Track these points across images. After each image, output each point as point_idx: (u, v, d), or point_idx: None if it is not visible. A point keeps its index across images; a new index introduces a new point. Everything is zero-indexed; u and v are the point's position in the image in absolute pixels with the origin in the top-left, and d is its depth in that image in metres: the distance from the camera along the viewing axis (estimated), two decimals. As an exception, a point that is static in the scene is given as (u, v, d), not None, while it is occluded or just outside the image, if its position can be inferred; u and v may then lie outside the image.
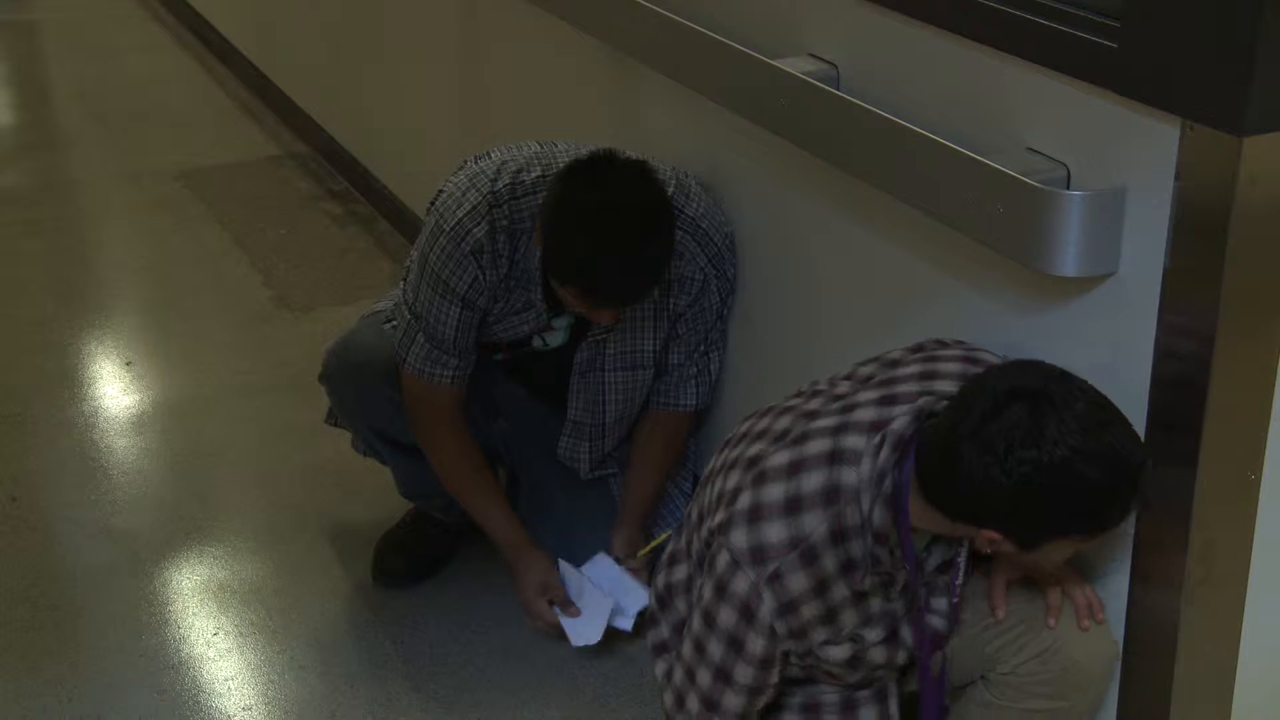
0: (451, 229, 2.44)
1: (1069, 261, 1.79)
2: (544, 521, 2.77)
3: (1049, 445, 1.66)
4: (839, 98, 2.11)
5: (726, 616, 1.89)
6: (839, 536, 1.83)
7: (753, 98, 2.28)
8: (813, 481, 1.85)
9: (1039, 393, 1.69)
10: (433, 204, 2.55)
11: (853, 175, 2.13)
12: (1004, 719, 1.99)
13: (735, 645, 1.91)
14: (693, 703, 1.99)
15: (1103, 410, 1.71)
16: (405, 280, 2.62)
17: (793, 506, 1.85)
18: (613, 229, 2.26)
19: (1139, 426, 1.83)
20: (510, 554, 2.65)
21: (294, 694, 2.57)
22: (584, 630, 2.57)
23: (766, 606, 1.86)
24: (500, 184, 2.45)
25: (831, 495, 1.84)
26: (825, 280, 2.40)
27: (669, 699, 2.05)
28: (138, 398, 3.53)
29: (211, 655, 2.67)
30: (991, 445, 1.68)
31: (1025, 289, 1.97)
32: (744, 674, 1.93)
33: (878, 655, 1.94)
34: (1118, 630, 1.95)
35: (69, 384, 3.58)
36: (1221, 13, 1.58)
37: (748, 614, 1.88)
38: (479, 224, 2.43)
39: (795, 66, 2.21)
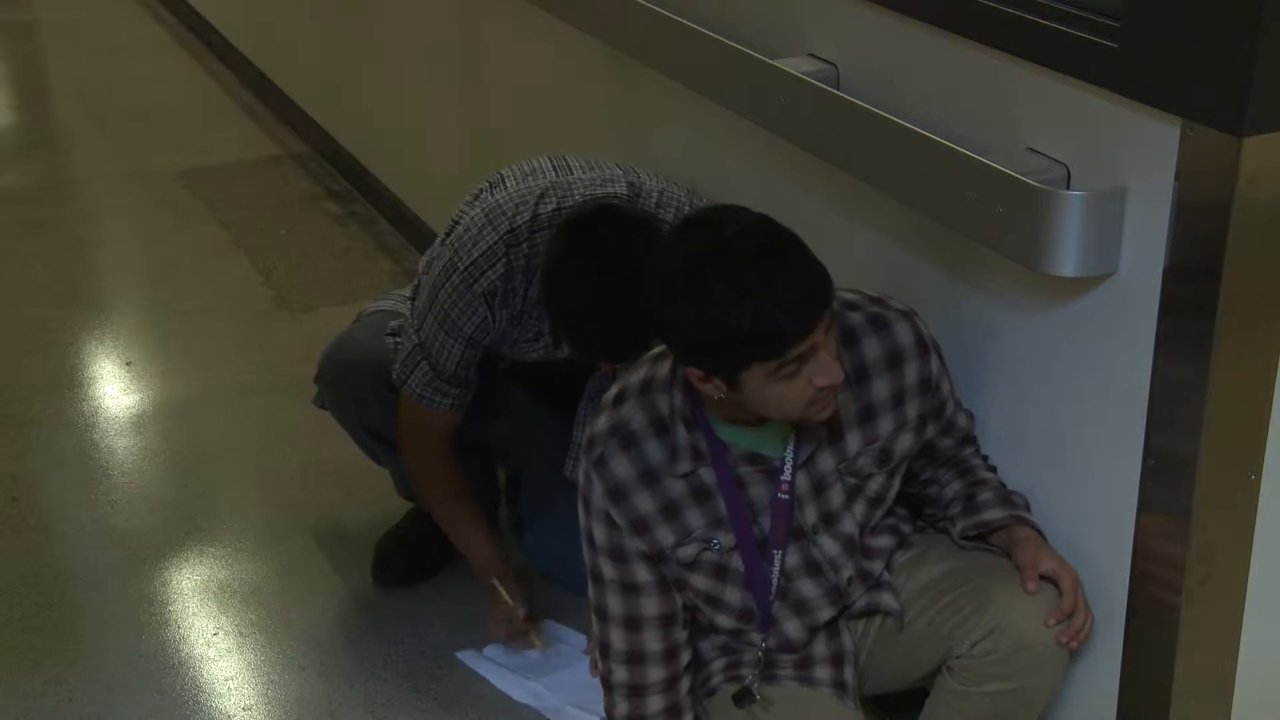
0: (466, 268, 2.42)
1: (1069, 261, 1.79)
2: (545, 521, 2.77)
3: (659, 271, 1.79)
4: (839, 98, 2.11)
5: (581, 514, 2.02)
6: (658, 425, 1.95)
7: (753, 98, 2.28)
8: (638, 375, 1.99)
9: (677, 231, 1.82)
10: (448, 235, 2.52)
11: (853, 175, 2.13)
12: (970, 705, 2.00)
13: (590, 541, 2.02)
14: (595, 622, 2.09)
15: (764, 237, 1.79)
16: (414, 301, 2.59)
17: (619, 399, 2.00)
18: (593, 293, 2.24)
19: (1139, 427, 1.83)
20: (487, 579, 2.63)
21: (294, 694, 2.58)
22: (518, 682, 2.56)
23: (597, 491, 1.97)
24: (520, 220, 2.42)
25: (646, 385, 1.97)
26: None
27: None
28: (138, 398, 3.54)
29: (211, 655, 2.67)
30: (652, 281, 1.81)
31: (1025, 289, 1.97)
32: (607, 569, 2.02)
33: (740, 564, 1.99)
34: (1118, 630, 1.95)
35: (69, 384, 3.58)
36: (1221, 13, 1.58)
37: (587, 503, 2.00)
38: (494, 265, 2.41)
39: (795, 66, 2.21)
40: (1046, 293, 1.93)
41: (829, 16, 2.24)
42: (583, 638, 2.63)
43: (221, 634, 2.72)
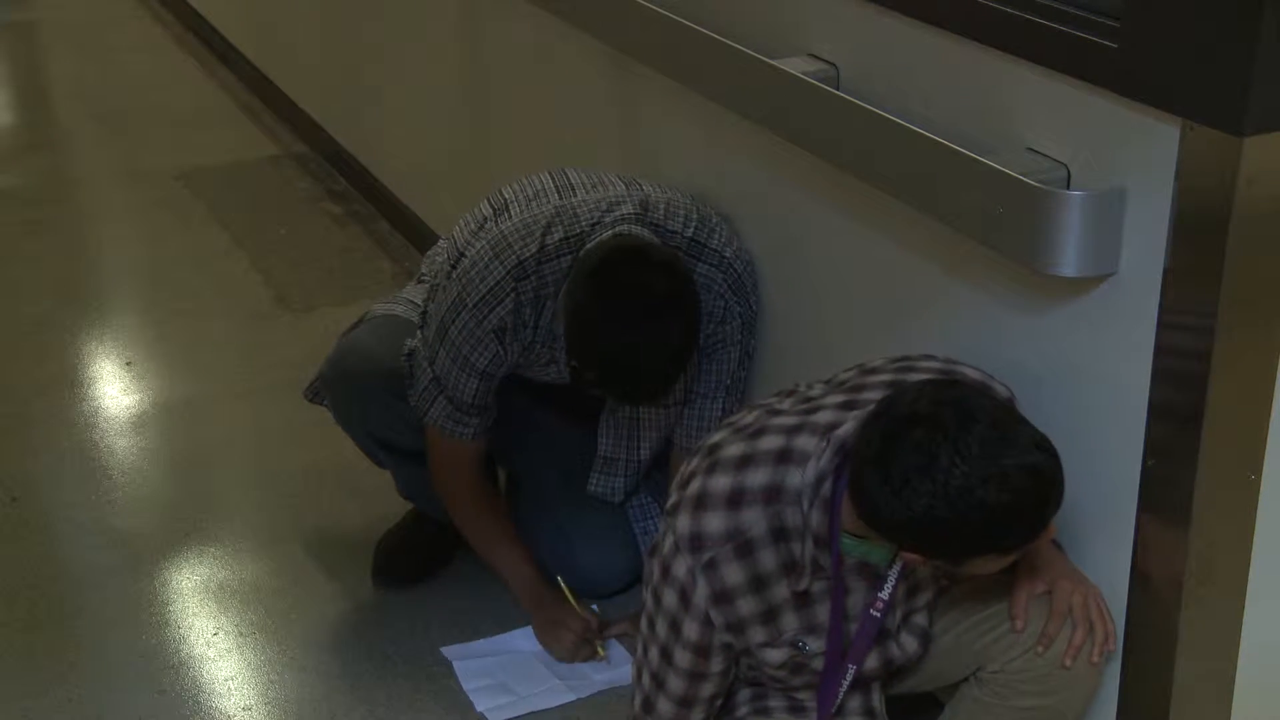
0: (474, 305, 2.42)
1: (1069, 261, 1.79)
2: (544, 523, 2.77)
3: (942, 475, 1.67)
4: (839, 98, 2.11)
5: (669, 599, 1.94)
6: (779, 535, 1.87)
7: (753, 98, 2.28)
8: (758, 477, 1.88)
9: (932, 418, 1.69)
10: (454, 268, 2.51)
11: (853, 175, 2.13)
12: (997, 716, 1.99)
13: (675, 627, 1.95)
14: (645, 677, 2.04)
15: (1002, 427, 1.70)
16: (422, 330, 2.59)
17: (735, 500, 1.88)
18: (621, 340, 2.27)
19: (1139, 427, 1.83)
20: (534, 608, 2.65)
21: (294, 694, 2.57)
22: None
23: (701, 593, 1.90)
24: (527, 253, 2.41)
25: (773, 493, 1.87)
26: (825, 280, 2.40)
27: (633, 670, 2.11)
28: (138, 398, 3.53)
29: (211, 655, 2.67)
30: (889, 475, 1.70)
31: (1025, 289, 1.97)
32: (682, 658, 1.97)
33: (821, 665, 1.96)
34: (1118, 630, 1.95)
35: (69, 384, 3.58)
36: (1221, 13, 1.58)
37: (685, 598, 1.92)
38: (502, 301, 2.41)
39: (795, 66, 2.21)
40: (1046, 293, 1.93)
41: (829, 16, 2.24)
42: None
43: (221, 634, 2.72)
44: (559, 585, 2.64)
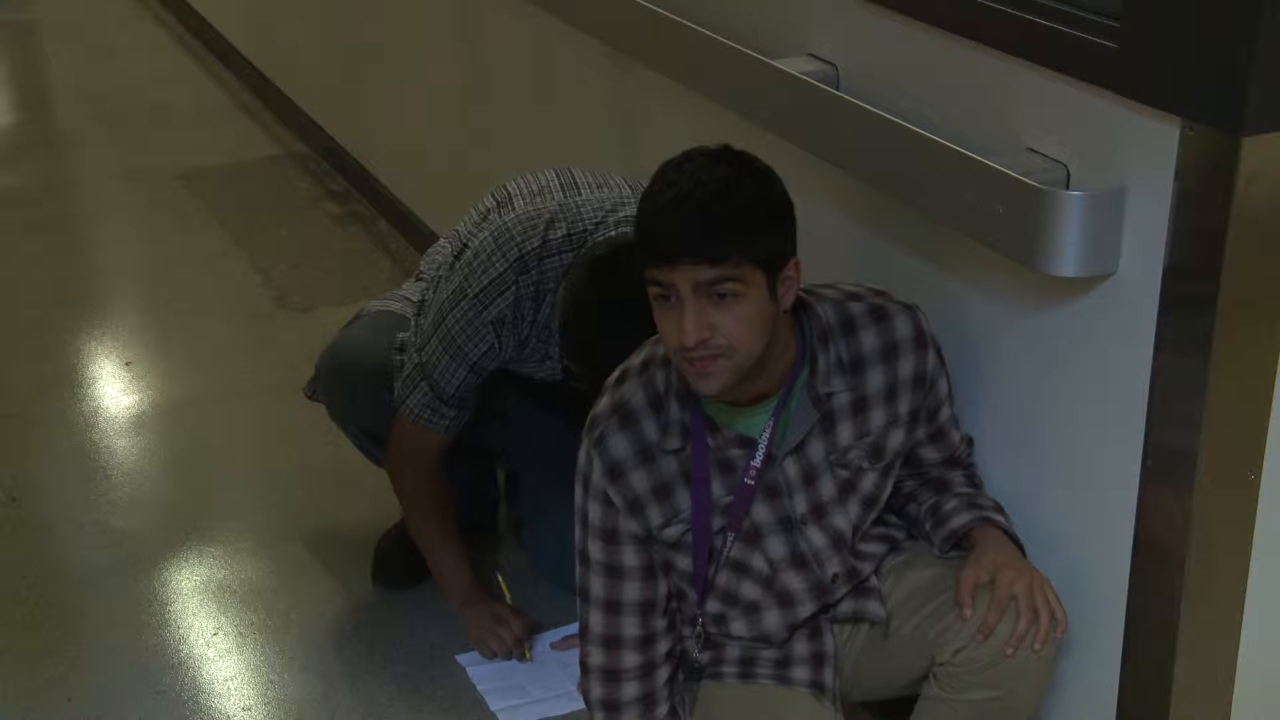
0: (475, 295, 2.42)
1: (1069, 261, 1.79)
2: (543, 521, 2.77)
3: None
4: (839, 98, 2.11)
5: (578, 493, 2.01)
6: (656, 404, 1.96)
7: (753, 98, 2.28)
8: (640, 355, 2.02)
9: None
10: (457, 258, 2.52)
11: (853, 175, 2.14)
12: (956, 713, 1.99)
13: (583, 519, 2.01)
14: (578, 602, 2.08)
15: (729, 167, 1.85)
16: (419, 318, 2.59)
17: (621, 379, 2.01)
18: (619, 336, 2.23)
19: (1138, 427, 1.83)
20: (465, 607, 2.65)
21: (294, 694, 2.58)
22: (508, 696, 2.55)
23: (597, 471, 1.97)
24: (529, 247, 2.42)
25: (648, 363, 1.98)
26: (824, 280, 2.40)
27: None
28: (138, 398, 3.54)
29: (211, 655, 2.67)
30: None
31: (1025, 289, 1.97)
32: (595, 549, 2.01)
33: (717, 543, 1.99)
34: (1118, 630, 1.95)
35: (69, 384, 3.58)
36: (1221, 13, 1.58)
37: (586, 483, 1.99)
38: (503, 294, 2.41)
39: (795, 66, 2.21)
40: (1046, 293, 1.93)
41: (829, 16, 2.24)
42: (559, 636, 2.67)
43: (221, 634, 2.72)
44: (498, 585, 2.63)
